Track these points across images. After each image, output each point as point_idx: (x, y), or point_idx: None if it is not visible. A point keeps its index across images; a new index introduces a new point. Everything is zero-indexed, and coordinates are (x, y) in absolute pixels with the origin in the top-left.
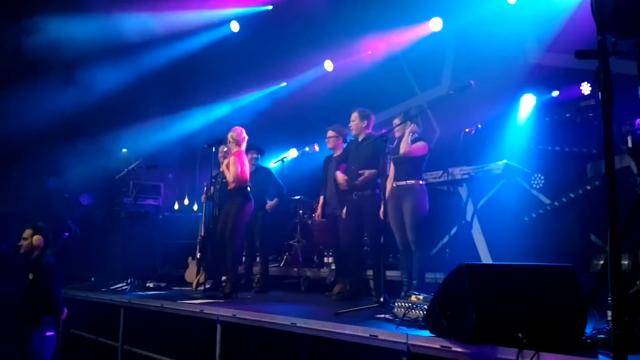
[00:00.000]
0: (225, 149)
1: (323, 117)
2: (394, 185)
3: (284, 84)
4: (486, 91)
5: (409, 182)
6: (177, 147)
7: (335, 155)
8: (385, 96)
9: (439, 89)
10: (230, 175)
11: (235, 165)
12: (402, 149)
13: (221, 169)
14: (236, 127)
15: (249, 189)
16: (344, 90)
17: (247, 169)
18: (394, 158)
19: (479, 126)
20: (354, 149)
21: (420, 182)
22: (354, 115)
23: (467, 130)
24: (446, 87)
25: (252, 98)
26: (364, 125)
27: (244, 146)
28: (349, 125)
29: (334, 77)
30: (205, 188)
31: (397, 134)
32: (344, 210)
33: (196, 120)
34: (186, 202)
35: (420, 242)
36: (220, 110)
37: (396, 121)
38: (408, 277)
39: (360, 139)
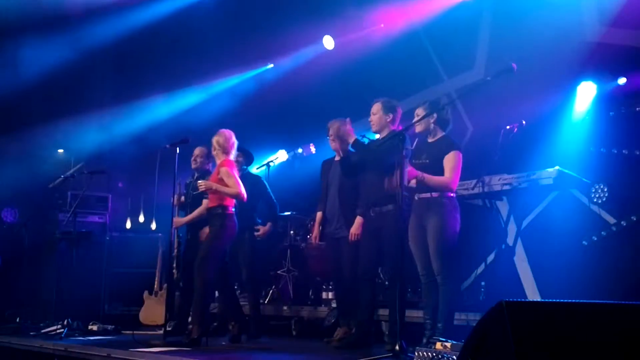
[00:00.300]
0: (201, 154)
1: (321, 109)
2: (416, 198)
3: (271, 65)
4: (532, 78)
5: (435, 194)
6: (131, 147)
7: (337, 158)
8: (401, 83)
9: (472, 74)
10: (230, 191)
11: (233, 178)
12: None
13: (193, 180)
14: (223, 130)
15: (234, 209)
16: (347, 75)
17: (241, 184)
18: (414, 164)
19: (524, 122)
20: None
21: (450, 194)
22: (376, 107)
23: (508, 127)
24: (481, 72)
25: (229, 84)
26: (388, 120)
27: (233, 154)
28: (369, 119)
29: (335, 57)
30: (175, 197)
31: (417, 129)
32: (354, 230)
33: (156, 112)
34: (141, 219)
35: (449, 272)
36: (187, 99)
37: (419, 111)
38: (432, 318)
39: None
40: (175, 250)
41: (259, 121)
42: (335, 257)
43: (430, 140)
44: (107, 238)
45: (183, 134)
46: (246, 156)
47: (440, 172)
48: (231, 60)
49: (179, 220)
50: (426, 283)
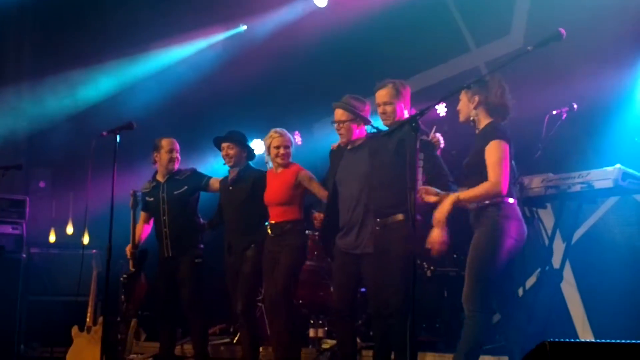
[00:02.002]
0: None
1: (309, 87)
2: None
3: (244, 27)
4: (586, 48)
5: (485, 202)
6: (57, 134)
7: (350, 147)
8: (414, 53)
9: (507, 42)
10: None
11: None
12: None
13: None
14: (280, 130)
15: None
16: (344, 42)
17: None
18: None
19: (575, 107)
20: (382, 145)
21: (501, 199)
22: (386, 94)
23: (554, 113)
24: (518, 40)
25: (187, 52)
26: (403, 107)
27: None
28: (381, 111)
29: (329, 17)
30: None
31: (461, 118)
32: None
33: (90, 88)
34: (69, 229)
35: (483, 302)
36: (133, 70)
37: (463, 95)
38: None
39: (390, 129)
40: (124, 276)
41: (227, 102)
42: (345, 279)
43: (476, 132)
44: (24, 255)
45: (126, 117)
46: (249, 150)
47: (485, 173)
48: (189, 21)
49: None
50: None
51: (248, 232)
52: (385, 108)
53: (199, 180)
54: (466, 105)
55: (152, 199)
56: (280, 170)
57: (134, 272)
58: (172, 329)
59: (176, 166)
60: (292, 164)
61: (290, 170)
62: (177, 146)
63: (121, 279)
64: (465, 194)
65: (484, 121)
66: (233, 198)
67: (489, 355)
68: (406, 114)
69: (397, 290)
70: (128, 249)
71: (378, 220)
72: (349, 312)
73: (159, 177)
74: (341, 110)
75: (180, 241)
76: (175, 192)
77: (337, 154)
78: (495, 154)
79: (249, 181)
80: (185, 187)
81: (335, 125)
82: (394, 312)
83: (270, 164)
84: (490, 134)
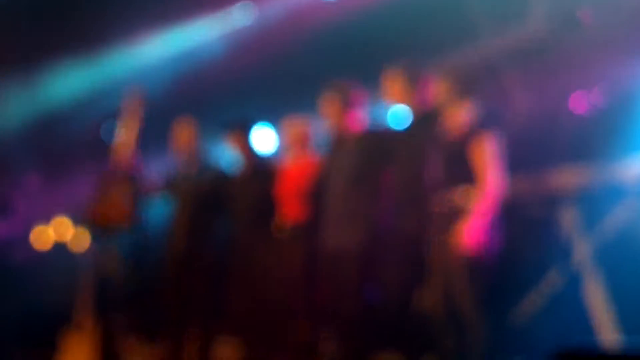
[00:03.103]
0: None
1: (311, 74)
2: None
3: (250, 17)
4: (612, 33)
5: None
6: (45, 124)
7: (339, 138)
8: (424, 39)
9: (525, 27)
10: None
11: None
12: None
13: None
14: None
15: None
16: (350, 26)
17: None
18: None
19: (599, 97)
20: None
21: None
22: (396, 75)
23: (576, 103)
24: (538, 25)
25: (191, 39)
26: (412, 94)
27: None
28: (387, 92)
29: (338, 4)
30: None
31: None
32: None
33: (79, 76)
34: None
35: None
36: (129, 61)
37: (441, 86)
38: None
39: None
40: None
41: (223, 91)
42: (335, 282)
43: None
44: (13, 256)
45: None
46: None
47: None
48: (185, 4)
49: None
50: (451, 323)
51: (262, 229)
52: (390, 89)
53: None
54: (445, 95)
55: (172, 187)
56: (297, 162)
57: None
58: (179, 331)
59: (174, 153)
60: (311, 155)
61: (309, 160)
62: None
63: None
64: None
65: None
66: (247, 193)
67: None
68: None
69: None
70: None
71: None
72: (339, 312)
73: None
74: (332, 98)
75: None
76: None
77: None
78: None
79: (264, 175)
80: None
81: (326, 112)
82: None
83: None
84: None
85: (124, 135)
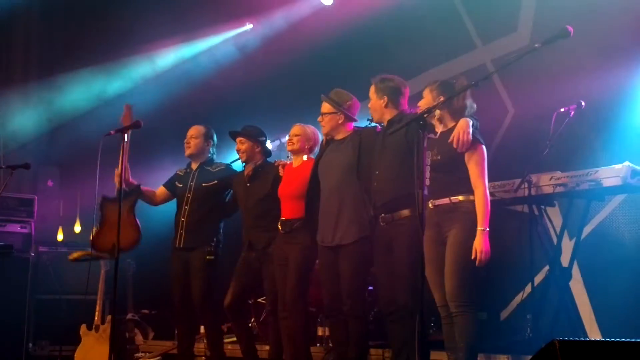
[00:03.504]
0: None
1: (314, 85)
2: (430, 205)
3: (249, 26)
4: (593, 45)
5: (455, 199)
6: (64, 133)
7: (337, 138)
8: (419, 51)
9: (513, 39)
10: None
11: None
12: (458, 142)
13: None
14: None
15: None
16: (350, 39)
17: None
18: (431, 161)
19: (583, 104)
20: (381, 138)
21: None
22: (376, 88)
23: (561, 110)
24: (525, 38)
25: (193, 52)
26: (383, 105)
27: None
28: (369, 105)
29: (336, 15)
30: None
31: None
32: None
33: (94, 87)
34: (77, 228)
35: (469, 298)
36: (140, 69)
37: (426, 93)
38: None
39: (387, 122)
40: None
41: (230, 101)
42: (330, 277)
43: (440, 130)
44: (32, 254)
45: (134, 116)
46: (263, 146)
47: (455, 170)
48: (193, 20)
49: None
50: (446, 317)
51: (269, 229)
52: (372, 101)
53: (230, 177)
54: (428, 104)
55: (181, 185)
56: (297, 164)
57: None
58: (189, 325)
59: (187, 153)
60: (311, 159)
61: (307, 163)
62: (194, 132)
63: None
64: (483, 221)
65: (450, 122)
66: (251, 194)
67: (498, 354)
68: (394, 109)
69: (405, 288)
70: (116, 173)
71: (383, 215)
72: (341, 309)
73: (193, 165)
74: (324, 103)
75: (195, 234)
76: (203, 184)
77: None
78: (481, 157)
79: (268, 177)
80: (216, 181)
81: (319, 117)
82: (402, 310)
83: (290, 158)
84: (474, 137)
85: (120, 155)
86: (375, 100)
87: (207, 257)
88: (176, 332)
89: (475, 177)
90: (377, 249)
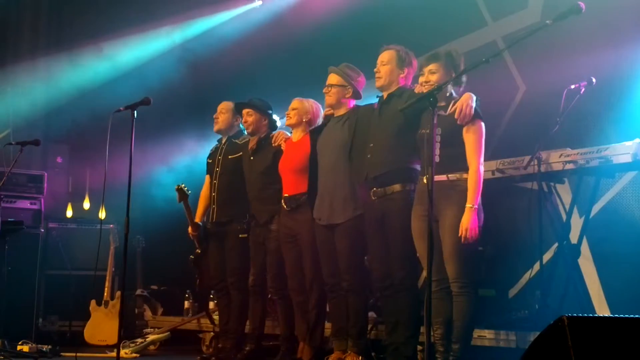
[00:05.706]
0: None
1: (321, 61)
2: (424, 181)
3: (259, 3)
4: (604, 21)
5: (453, 176)
6: (73, 110)
7: (337, 114)
8: (428, 28)
9: (524, 16)
10: None
11: None
12: (460, 113)
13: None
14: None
15: None
16: (361, 15)
17: None
18: (421, 133)
19: (594, 81)
20: (378, 111)
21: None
22: (387, 56)
23: (572, 87)
24: (536, 14)
25: (201, 28)
26: (401, 76)
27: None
28: (375, 71)
29: None
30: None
31: (418, 88)
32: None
33: (104, 64)
34: (86, 204)
35: (471, 278)
36: (149, 46)
37: (433, 67)
38: (446, 339)
39: (386, 96)
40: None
41: (238, 77)
42: (328, 252)
43: (441, 104)
44: (42, 230)
45: (141, 93)
46: (271, 119)
47: (457, 146)
48: None
49: None
50: (437, 292)
51: (269, 202)
52: (381, 68)
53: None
54: (440, 80)
55: (210, 160)
56: (297, 139)
57: (201, 252)
58: (227, 301)
59: (215, 128)
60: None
61: (307, 138)
62: (223, 108)
63: (191, 258)
64: (473, 199)
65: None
66: (254, 167)
67: (504, 330)
68: (401, 80)
69: (401, 263)
70: (189, 231)
71: (375, 189)
72: (340, 285)
73: (222, 140)
74: (333, 75)
75: (227, 209)
76: (230, 157)
77: (325, 120)
78: (478, 133)
79: (270, 150)
80: (241, 152)
81: (325, 88)
82: (399, 286)
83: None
84: (476, 111)
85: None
86: (395, 69)
87: (240, 235)
88: (210, 307)
89: (470, 153)
90: (369, 224)
